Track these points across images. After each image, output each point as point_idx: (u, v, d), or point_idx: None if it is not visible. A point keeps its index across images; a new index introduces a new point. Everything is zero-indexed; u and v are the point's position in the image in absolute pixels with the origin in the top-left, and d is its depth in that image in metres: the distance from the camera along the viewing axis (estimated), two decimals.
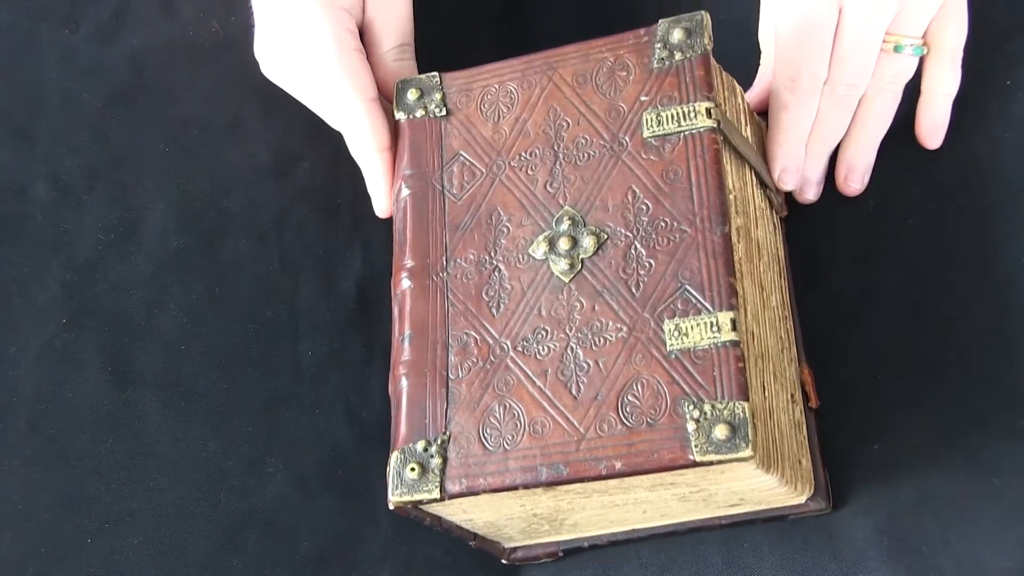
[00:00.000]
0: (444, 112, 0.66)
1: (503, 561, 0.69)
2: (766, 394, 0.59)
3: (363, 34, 0.71)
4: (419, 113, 0.66)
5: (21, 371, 0.73)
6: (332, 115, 0.70)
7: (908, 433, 0.64)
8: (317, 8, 0.68)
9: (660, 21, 0.63)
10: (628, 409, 0.56)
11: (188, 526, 0.69)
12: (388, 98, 0.70)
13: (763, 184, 0.66)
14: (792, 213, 0.70)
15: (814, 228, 0.70)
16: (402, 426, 0.60)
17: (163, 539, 0.69)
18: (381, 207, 0.69)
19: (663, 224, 0.59)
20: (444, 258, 0.62)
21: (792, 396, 0.63)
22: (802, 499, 0.63)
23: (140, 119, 0.79)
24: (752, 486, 0.59)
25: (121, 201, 0.77)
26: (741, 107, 0.66)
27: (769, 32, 0.70)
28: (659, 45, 0.62)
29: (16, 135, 0.80)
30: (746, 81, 0.67)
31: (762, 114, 0.70)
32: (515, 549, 0.68)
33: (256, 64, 0.72)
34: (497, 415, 0.58)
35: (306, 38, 0.68)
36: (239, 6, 0.71)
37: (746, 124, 0.66)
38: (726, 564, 0.66)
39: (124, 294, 0.74)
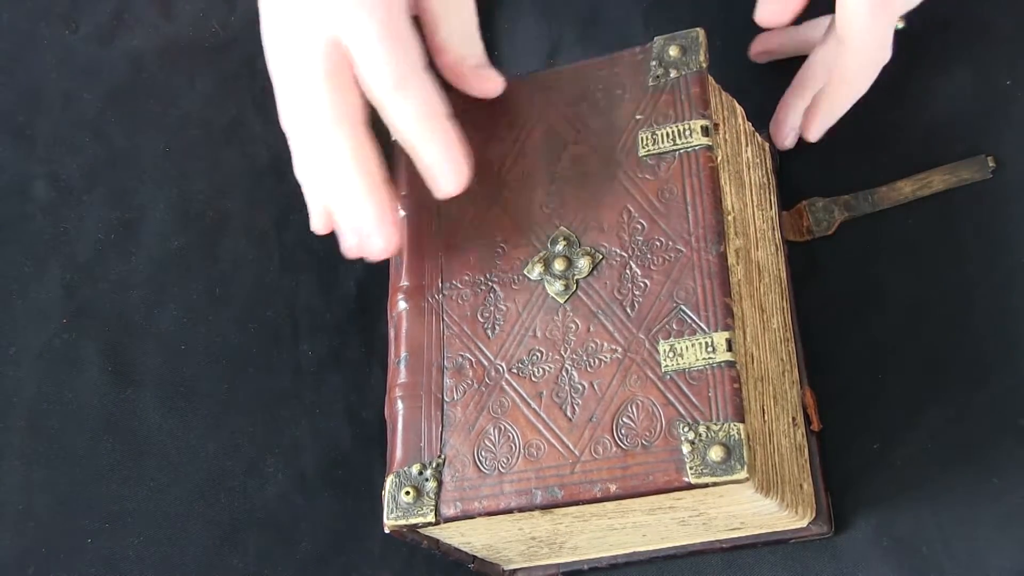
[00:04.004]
0: None
1: None
2: (766, 417, 0.58)
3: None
4: None
5: (21, 371, 0.73)
6: (378, 85, 0.59)
7: (908, 433, 0.64)
8: None
9: (656, 39, 0.62)
10: (623, 431, 0.56)
11: (188, 526, 0.69)
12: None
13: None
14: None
15: None
16: (397, 449, 0.59)
17: (163, 539, 0.69)
18: (455, 180, 0.60)
19: (658, 244, 0.59)
20: (440, 279, 0.62)
21: (793, 419, 0.63)
22: (804, 523, 0.63)
23: (140, 119, 0.80)
24: (752, 510, 0.59)
25: (121, 201, 0.77)
26: (741, 127, 0.66)
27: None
28: (654, 63, 0.62)
29: (16, 135, 0.80)
30: (745, 97, 0.67)
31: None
32: (515, 572, 0.68)
33: (255, 64, 0.72)
34: (492, 438, 0.58)
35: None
36: (239, 6, 0.72)
37: (747, 144, 0.66)
38: (726, 564, 0.66)
39: (124, 294, 0.75)
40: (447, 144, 0.59)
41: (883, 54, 0.65)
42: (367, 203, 0.59)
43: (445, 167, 0.60)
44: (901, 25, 0.68)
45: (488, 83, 0.64)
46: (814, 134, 0.69)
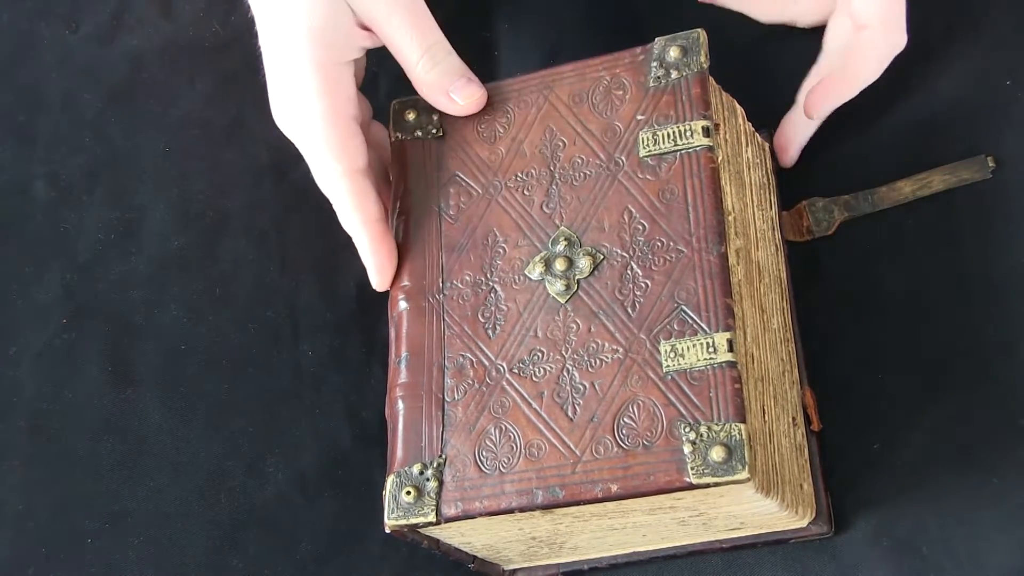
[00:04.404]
0: (440, 133, 0.65)
1: None
2: (766, 417, 0.58)
3: (389, 52, 0.66)
4: (416, 134, 0.66)
5: (21, 371, 0.73)
6: (319, 183, 0.66)
7: (908, 433, 0.64)
8: (309, 70, 0.63)
9: (656, 39, 0.62)
10: (624, 431, 0.56)
11: (188, 526, 0.69)
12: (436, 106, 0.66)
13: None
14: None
15: None
16: (398, 449, 0.60)
17: (163, 539, 0.69)
18: (375, 280, 0.64)
19: (659, 244, 0.59)
20: (440, 279, 0.62)
21: (793, 419, 0.63)
22: (804, 523, 0.63)
23: (140, 119, 0.80)
24: (752, 510, 0.59)
25: (121, 201, 0.77)
26: (742, 128, 0.66)
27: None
28: (655, 63, 0.62)
29: (16, 135, 0.80)
30: (745, 97, 0.67)
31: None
32: (515, 572, 0.68)
33: (256, 64, 0.72)
34: (493, 438, 0.58)
35: (296, 101, 0.64)
36: (239, 6, 0.72)
37: (747, 144, 0.66)
38: (726, 564, 0.66)
39: (124, 294, 0.75)
40: (373, 248, 0.64)
41: (902, 39, 0.67)
42: (363, 244, 0.64)
43: (370, 265, 0.64)
44: None
45: (466, 107, 0.65)
46: (820, 115, 0.69)
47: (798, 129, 0.70)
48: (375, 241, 0.64)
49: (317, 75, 0.63)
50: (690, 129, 0.60)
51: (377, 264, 0.64)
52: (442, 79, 0.64)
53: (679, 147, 0.60)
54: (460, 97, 0.64)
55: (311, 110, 0.63)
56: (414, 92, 0.66)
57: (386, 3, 0.63)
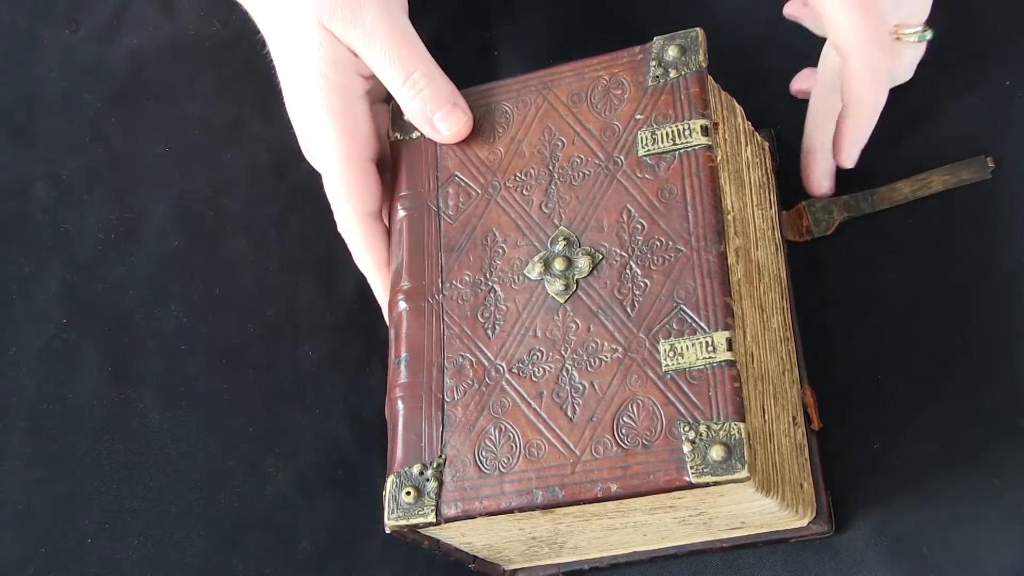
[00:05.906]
0: None
1: None
2: (766, 417, 0.58)
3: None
4: (415, 134, 0.66)
5: (21, 371, 0.73)
6: (336, 222, 0.67)
7: (908, 433, 0.64)
8: (324, 115, 0.64)
9: (655, 38, 0.62)
10: (624, 431, 0.56)
11: (188, 526, 0.69)
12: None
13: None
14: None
15: None
16: (398, 450, 0.60)
17: (163, 539, 0.69)
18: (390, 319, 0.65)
19: (658, 243, 0.59)
20: (440, 280, 0.62)
21: (793, 419, 0.63)
22: (804, 522, 0.63)
23: (140, 119, 0.80)
24: (752, 509, 0.59)
25: (121, 201, 0.77)
26: (741, 127, 0.66)
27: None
28: (654, 63, 0.62)
29: (16, 135, 0.80)
30: (745, 97, 0.67)
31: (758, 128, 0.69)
32: (515, 572, 0.68)
33: (256, 64, 0.72)
34: (493, 438, 0.58)
35: (315, 143, 0.66)
36: (240, 6, 0.72)
37: (746, 144, 0.66)
38: (726, 564, 0.66)
39: (124, 294, 0.75)
40: (376, 289, 0.66)
41: (885, 58, 0.65)
42: (376, 286, 0.67)
43: (386, 305, 0.65)
44: (930, 35, 0.67)
45: (450, 137, 0.65)
46: (848, 161, 0.68)
47: (813, 164, 0.70)
48: (376, 281, 0.66)
49: (332, 120, 0.64)
50: (688, 128, 0.60)
51: (383, 303, 0.66)
52: (424, 107, 0.64)
53: (678, 146, 0.60)
54: (444, 127, 0.64)
55: (328, 153, 0.65)
56: None
57: (364, 32, 0.63)
